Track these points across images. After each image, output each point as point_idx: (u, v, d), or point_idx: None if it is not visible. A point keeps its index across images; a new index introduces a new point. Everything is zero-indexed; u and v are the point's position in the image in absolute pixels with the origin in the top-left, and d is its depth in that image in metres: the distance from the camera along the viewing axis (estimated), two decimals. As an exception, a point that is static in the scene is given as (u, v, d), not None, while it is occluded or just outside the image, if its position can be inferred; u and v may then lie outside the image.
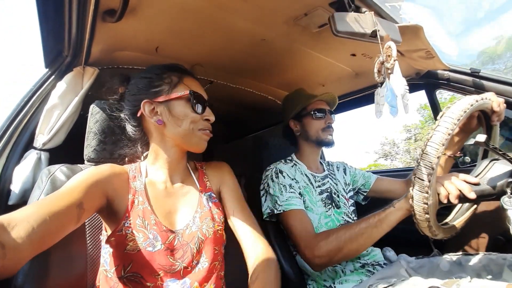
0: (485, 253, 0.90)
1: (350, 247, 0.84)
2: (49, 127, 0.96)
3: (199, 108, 0.72)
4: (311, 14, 0.82)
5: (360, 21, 0.71)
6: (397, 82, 0.71)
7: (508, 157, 0.66)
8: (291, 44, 1.03)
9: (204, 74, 1.26)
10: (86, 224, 0.75)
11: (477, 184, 0.70)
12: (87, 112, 0.84)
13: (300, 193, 1.06)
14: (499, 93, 1.02)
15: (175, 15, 0.82)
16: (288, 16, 0.85)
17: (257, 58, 1.13)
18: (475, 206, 0.84)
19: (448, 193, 0.70)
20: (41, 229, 0.43)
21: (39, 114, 0.97)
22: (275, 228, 1.10)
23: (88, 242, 0.75)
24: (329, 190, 1.16)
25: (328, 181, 1.19)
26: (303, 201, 1.05)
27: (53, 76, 0.99)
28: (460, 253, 0.95)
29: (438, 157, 0.66)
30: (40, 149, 0.96)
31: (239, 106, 1.71)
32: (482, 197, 0.69)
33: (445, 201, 0.71)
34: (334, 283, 0.96)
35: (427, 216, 0.69)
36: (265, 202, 1.09)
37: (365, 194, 1.27)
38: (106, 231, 0.67)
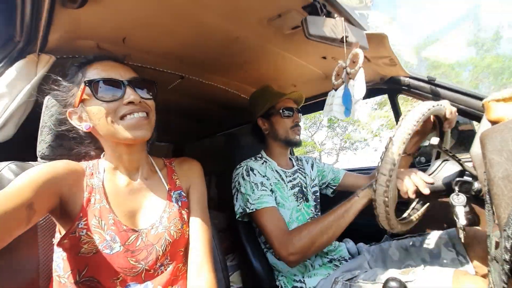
0: (424, 233, 1.03)
1: (321, 240, 0.88)
2: (-4, 120, 0.86)
3: (110, 95, 0.61)
4: (285, 16, 0.83)
5: (331, 26, 0.73)
6: (358, 88, 0.76)
7: (456, 158, 0.73)
8: (264, 44, 1.03)
9: (174, 68, 1.22)
10: (38, 225, 0.68)
11: (431, 183, 0.77)
12: (42, 104, 0.77)
13: (271, 190, 1.07)
14: (450, 100, 1.13)
15: (145, 5, 0.78)
16: (262, 16, 0.85)
17: (230, 55, 1.13)
18: (428, 204, 0.92)
19: (407, 189, 0.77)
20: None
21: (-17, 105, 0.86)
22: (246, 226, 1.10)
23: (40, 245, 0.68)
24: (299, 185, 1.19)
25: (298, 176, 1.22)
26: (275, 198, 1.07)
27: (1, 64, 0.89)
28: (405, 236, 1.06)
29: (399, 154, 0.71)
30: (-15, 144, 0.85)
31: (211, 103, 1.69)
32: (434, 193, 0.77)
33: (404, 196, 0.78)
34: (303, 277, 1.00)
35: (387, 209, 0.74)
36: (236, 201, 1.08)
37: (334, 188, 1.33)
38: (60, 233, 0.61)
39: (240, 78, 1.38)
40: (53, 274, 0.62)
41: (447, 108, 0.84)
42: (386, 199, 0.73)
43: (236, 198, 1.09)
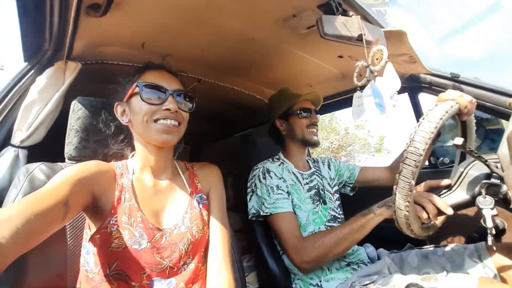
0: (450, 244, 0.96)
1: (336, 251, 0.90)
2: (28, 124, 0.92)
3: (153, 98, 0.68)
4: (300, 16, 0.83)
5: (347, 25, 0.72)
6: (391, 80, 0.74)
7: (482, 159, 0.69)
8: (279, 44, 1.03)
9: (191, 71, 1.24)
10: (66, 224, 0.73)
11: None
12: (69, 108, 0.82)
13: (288, 192, 1.07)
14: (476, 97, 1.07)
15: (162, 11, 0.81)
16: (277, 16, 0.85)
17: (246, 57, 1.13)
18: (440, 224, 0.88)
19: (428, 215, 0.74)
20: (25, 229, 0.42)
21: (17, 110, 0.93)
22: (262, 227, 1.11)
23: (68, 242, 0.72)
24: (316, 187, 1.18)
25: (315, 178, 1.21)
26: (291, 200, 1.07)
27: (32, 71, 0.95)
28: (428, 246, 1.00)
29: (411, 191, 0.67)
30: (18, 146, 0.92)
31: (227, 105, 1.71)
32: (459, 208, 0.73)
33: (426, 221, 0.76)
34: (320, 281, 0.98)
35: (409, 226, 0.72)
36: (250, 201, 1.09)
37: (351, 185, 1.31)
38: (89, 230, 0.65)
39: (256, 79, 1.39)
40: (81, 269, 0.65)
41: (460, 102, 0.76)
42: (409, 226, 0.72)
43: (250, 199, 1.09)
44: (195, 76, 1.28)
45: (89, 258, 0.63)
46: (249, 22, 0.88)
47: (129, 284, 0.60)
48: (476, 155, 0.69)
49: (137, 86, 0.68)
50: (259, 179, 1.08)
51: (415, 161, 0.66)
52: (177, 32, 0.92)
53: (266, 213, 1.01)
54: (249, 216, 1.08)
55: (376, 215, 0.86)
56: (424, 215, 0.74)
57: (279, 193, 1.04)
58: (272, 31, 0.93)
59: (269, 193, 1.03)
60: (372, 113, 0.80)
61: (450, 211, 0.72)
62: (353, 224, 0.89)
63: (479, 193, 0.68)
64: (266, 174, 1.08)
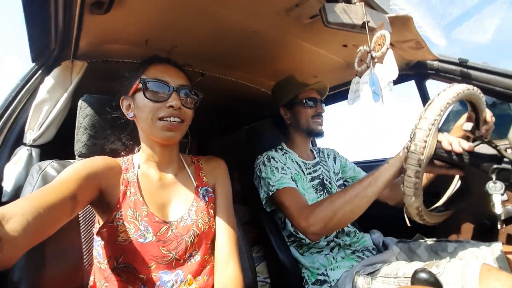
0: (462, 240, 0.94)
1: (345, 210, 0.80)
2: (39, 123, 0.94)
3: (157, 95, 0.67)
4: (303, 5, 0.82)
5: (350, 12, 0.71)
6: (390, 68, 0.73)
7: (493, 145, 0.68)
8: (283, 36, 1.02)
9: (195, 66, 1.24)
10: (79, 217, 0.75)
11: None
12: (76, 106, 0.83)
13: (292, 178, 1.07)
14: (485, 82, 1.05)
15: (164, 7, 0.81)
16: (279, 7, 0.84)
17: (249, 50, 1.13)
18: (451, 211, 0.86)
19: (451, 142, 0.70)
20: (35, 222, 0.43)
21: (27, 110, 0.95)
22: (269, 218, 1.12)
23: (82, 235, 0.75)
24: (321, 177, 1.18)
25: (320, 168, 1.21)
26: (296, 186, 1.06)
27: (40, 70, 0.97)
28: (438, 239, 0.99)
29: (441, 110, 0.67)
30: (31, 145, 0.94)
31: (232, 99, 1.71)
32: (476, 159, 0.70)
33: (448, 147, 0.70)
34: (326, 270, 0.99)
35: (418, 170, 0.70)
36: (261, 188, 1.09)
37: None
38: (98, 223, 0.67)
39: (260, 72, 1.38)
40: (94, 261, 0.68)
41: (487, 112, 0.79)
42: (421, 156, 0.67)
43: (260, 185, 1.09)
44: (199, 71, 1.28)
45: (100, 251, 0.65)
46: (252, 14, 0.87)
47: (136, 276, 0.62)
48: (486, 140, 0.69)
49: (140, 82, 0.68)
50: (263, 163, 1.08)
51: (429, 125, 0.67)
52: (180, 27, 0.92)
53: (273, 190, 1.00)
54: (263, 202, 1.07)
55: (390, 165, 0.77)
56: (446, 142, 0.71)
57: (283, 173, 1.04)
58: (275, 23, 0.92)
59: (274, 173, 1.03)
60: (367, 100, 0.79)
61: (469, 146, 0.69)
62: (365, 180, 0.80)
63: (490, 178, 0.67)
64: (271, 159, 1.08)
